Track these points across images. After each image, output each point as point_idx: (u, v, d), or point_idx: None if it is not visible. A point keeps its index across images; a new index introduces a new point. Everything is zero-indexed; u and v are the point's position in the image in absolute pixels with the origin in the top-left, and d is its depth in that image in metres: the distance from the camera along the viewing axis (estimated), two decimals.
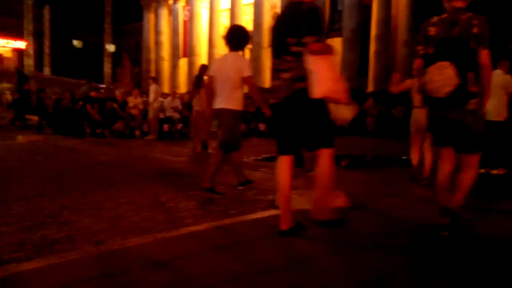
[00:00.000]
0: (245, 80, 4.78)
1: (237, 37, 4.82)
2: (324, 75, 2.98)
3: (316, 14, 3.07)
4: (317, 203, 3.40)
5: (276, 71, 3.37)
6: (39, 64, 35.90)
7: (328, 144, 3.25)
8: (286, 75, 3.20)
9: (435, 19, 3.37)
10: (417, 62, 3.37)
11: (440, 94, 3.08)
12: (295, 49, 3.11)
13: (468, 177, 3.42)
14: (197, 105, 8.88)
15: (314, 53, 2.99)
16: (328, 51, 3.06)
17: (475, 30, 3.17)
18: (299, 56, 3.08)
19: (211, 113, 4.97)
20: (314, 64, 2.99)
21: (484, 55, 3.20)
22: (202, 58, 34.10)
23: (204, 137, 9.04)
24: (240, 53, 4.88)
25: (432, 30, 3.32)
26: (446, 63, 3.06)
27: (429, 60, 3.19)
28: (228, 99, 4.75)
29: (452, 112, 3.18)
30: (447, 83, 3.04)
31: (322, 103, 3.16)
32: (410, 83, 5.34)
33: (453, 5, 3.31)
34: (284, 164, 3.42)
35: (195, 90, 8.89)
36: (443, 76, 3.05)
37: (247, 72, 4.74)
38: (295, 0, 3.25)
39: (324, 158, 3.25)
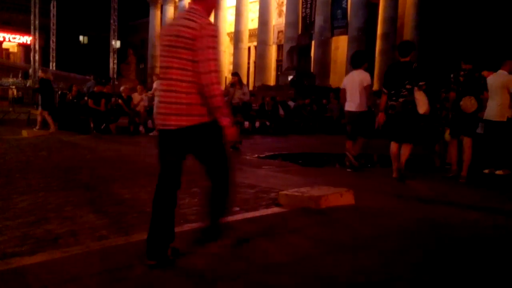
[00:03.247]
0: (365, 88, 6.63)
1: (357, 58, 7.02)
2: (425, 101, 5.66)
3: (421, 69, 5.74)
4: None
5: (392, 96, 5.84)
6: (45, 60, 36.00)
7: (410, 141, 5.82)
8: (401, 100, 5.75)
9: (462, 73, 6.04)
10: (452, 95, 6.17)
11: (469, 111, 5.97)
12: (408, 86, 5.70)
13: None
14: None
15: (421, 88, 5.65)
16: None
17: (482, 81, 6.09)
18: (410, 91, 5.68)
19: (346, 113, 6.96)
20: (420, 95, 5.66)
21: (486, 95, 6.26)
22: None
23: None
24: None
25: (461, 78, 6.02)
26: (472, 97, 5.93)
27: (460, 94, 6.02)
28: (356, 103, 6.68)
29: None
30: (473, 106, 5.94)
31: (420, 116, 5.72)
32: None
33: (465, 67, 6.04)
34: (394, 144, 5.95)
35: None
36: (471, 103, 5.91)
37: (366, 83, 6.63)
38: (405, 60, 5.85)
39: (405, 148, 5.81)
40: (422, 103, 5.60)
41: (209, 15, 2.72)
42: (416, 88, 5.61)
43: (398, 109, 5.73)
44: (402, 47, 6.03)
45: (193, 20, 2.57)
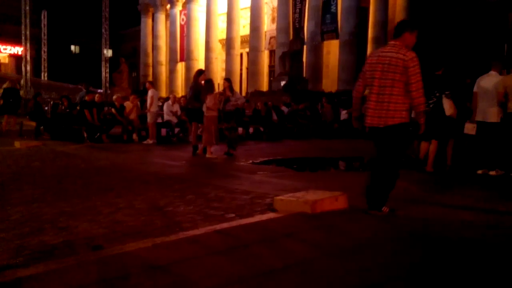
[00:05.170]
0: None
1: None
2: (451, 105, 6.78)
3: (448, 78, 6.76)
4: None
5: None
6: (36, 70, 35.86)
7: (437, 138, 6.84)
8: (431, 105, 6.57)
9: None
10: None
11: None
12: (437, 94, 6.78)
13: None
14: (205, 109, 8.79)
15: (448, 97, 6.75)
16: None
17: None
18: (439, 98, 6.77)
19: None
20: (447, 102, 6.77)
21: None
22: (199, 62, 34.13)
23: (213, 141, 8.87)
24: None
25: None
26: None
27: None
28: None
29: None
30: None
31: (447, 118, 6.80)
32: None
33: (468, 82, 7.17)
34: (424, 144, 6.96)
35: (205, 96, 8.79)
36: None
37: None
38: (437, 73, 6.93)
39: (434, 144, 6.81)
40: (448, 107, 6.80)
41: (408, 48, 3.90)
42: (443, 96, 6.82)
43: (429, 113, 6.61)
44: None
45: (401, 53, 3.81)
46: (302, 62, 24.11)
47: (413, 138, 3.90)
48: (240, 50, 32.45)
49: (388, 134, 3.89)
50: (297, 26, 26.69)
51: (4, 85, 14.24)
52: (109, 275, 2.60)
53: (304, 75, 24.00)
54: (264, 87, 29.39)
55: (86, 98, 12.58)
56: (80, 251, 3.11)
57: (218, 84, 15.13)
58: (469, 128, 7.07)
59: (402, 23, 4.11)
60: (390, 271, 2.73)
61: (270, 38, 31.02)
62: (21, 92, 29.49)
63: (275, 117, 15.52)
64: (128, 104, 13.08)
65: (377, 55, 4.00)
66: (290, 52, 23.01)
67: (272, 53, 30.62)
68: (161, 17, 38.84)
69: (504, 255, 3.09)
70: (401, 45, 3.89)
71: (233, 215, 4.09)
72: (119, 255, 2.96)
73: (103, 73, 31.17)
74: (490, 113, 6.76)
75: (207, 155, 8.83)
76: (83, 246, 3.22)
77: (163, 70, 38.87)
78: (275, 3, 28.75)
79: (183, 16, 36.28)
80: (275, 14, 29.15)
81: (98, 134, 12.20)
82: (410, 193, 5.31)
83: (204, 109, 8.84)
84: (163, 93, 32.30)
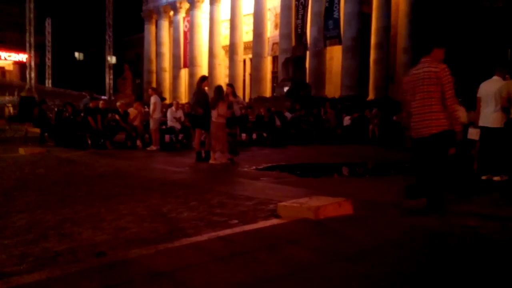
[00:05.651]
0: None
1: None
2: (463, 113, 6.80)
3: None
4: None
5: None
6: (41, 77, 36.07)
7: None
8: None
9: None
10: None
11: None
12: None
13: None
14: (215, 116, 8.79)
15: (460, 104, 6.46)
16: None
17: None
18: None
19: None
20: (459, 109, 5.85)
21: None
22: (203, 68, 34.23)
23: (221, 147, 8.87)
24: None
25: None
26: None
27: None
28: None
29: None
30: None
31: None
32: None
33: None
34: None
35: (216, 103, 8.79)
36: None
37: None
38: None
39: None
40: (461, 114, 6.62)
41: (438, 61, 4.29)
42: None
43: None
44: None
45: (432, 66, 4.22)
46: (305, 68, 24.16)
47: (452, 144, 4.28)
48: (243, 56, 32.54)
49: (433, 141, 4.27)
50: (300, 32, 26.76)
51: (22, 93, 14.52)
52: (113, 282, 2.59)
53: (307, 81, 24.03)
54: (267, 93, 29.43)
55: (91, 104, 12.64)
56: (84, 258, 3.11)
57: None
58: (473, 134, 7.05)
59: (431, 41, 4.44)
60: (394, 277, 2.72)
61: (273, 44, 31.11)
62: None
63: (278, 122, 15.54)
64: (132, 111, 13.13)
65: (412, 74, 4.42)
66: (293, 58, 23.06)
67: (275, 59, 30.69)
68: (165, 24, 39.01)
69: (510, 263, 3.07)
70: (432, 60, 4.29)
71: (237, 221, 4.08)
72: (122, 262, 2.96)
73: (107, 80, 31.35)
74: (493, 118, 6.74)
75: (211, 161, 8.83)
76: (86, 253, 3.22)
77: (167, 77, 38.99)
78: (278, 10, 28.85)
79: (186, 23, 36.44)
80: (278, 21, 29.25)
81: (102, 140, 12.24)
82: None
83: (214, 115, 8.82)
84: (167, 100, 32.35)
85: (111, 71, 31.59)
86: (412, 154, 7.29)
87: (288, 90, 21.91)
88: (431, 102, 4.22)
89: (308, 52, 25.54)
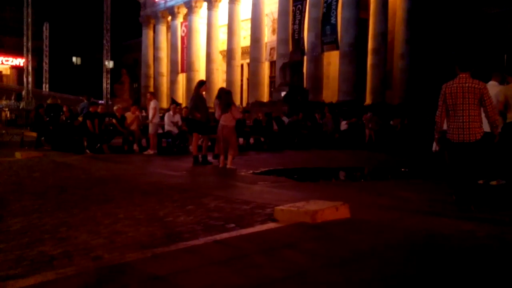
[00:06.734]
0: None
1: None
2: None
3: None
4: None
5: None
6: (38, 81, 36.05)
7: None
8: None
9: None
10: None
11: None
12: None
13: None
14: (228, 120, 8.75)
15: None
16: None
17: None
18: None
19: None
20: None
21: None
22: (200, 73, 34.27)
23: (234, 152, 8.83)
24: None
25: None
26: None
27: None
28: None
29: None
30: None
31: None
32: None
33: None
34: None
35: (228, 108, 8.76)
36: None
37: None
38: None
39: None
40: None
41: (472, 78, 4.93)
42: None
43: None
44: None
45: (475, 83, 4.86)
46: (303, 73, 24.21)
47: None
48: (240, 61, 32.60)
49: (477, 146, 4.90)
50: (297, 37, 26.85)
51: (48, 101, 14.70)
52: (109, 286, 2.58)
53: (305, 86, 24.10)
54: (265, 97, 29.47)
55: (91, 109, 12.62)
56: (80, 261, 3.10)
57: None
58: None
59: (471, 62, 5.04)
60: (390, 281, 2.71)
61: (271, 49, 31.18)
62: (23, 104, 29.69)
63: (275, 127, 15.54)
64: (129, 115, 13.11)
65: (456, 86, 4.96)
66: (291, 63, 23.11)
67: (272, 64, 30.76)
68: (162, 29, 39.08)
69: (506, 267, 3.07)
70: (469, 76, 4.95)
71: (233, 225, 4.08)
72: (118, 265, 2.95)
73: (104, 84, 31.35)
74: None
75: (228, 166, 8.68)
76: (82, 257, 3.20)
77: (164, 81, 39.01)
78: (276, 15, 28.94)
79: (184, 28, 36.50)
80: (276, 26, 29.33)
81: (99, 144, 12.21)
82: (412, 204, 5.30)
83: (227, 119, 8.82)
84: (164, 104, 32.37)
85: (109, 76, 31.61)
86: (414, 159, 7.36)
87: (285, 95, 21.95)
88: (474, 112, 4.89)
89: (305, 57, 25.60)
